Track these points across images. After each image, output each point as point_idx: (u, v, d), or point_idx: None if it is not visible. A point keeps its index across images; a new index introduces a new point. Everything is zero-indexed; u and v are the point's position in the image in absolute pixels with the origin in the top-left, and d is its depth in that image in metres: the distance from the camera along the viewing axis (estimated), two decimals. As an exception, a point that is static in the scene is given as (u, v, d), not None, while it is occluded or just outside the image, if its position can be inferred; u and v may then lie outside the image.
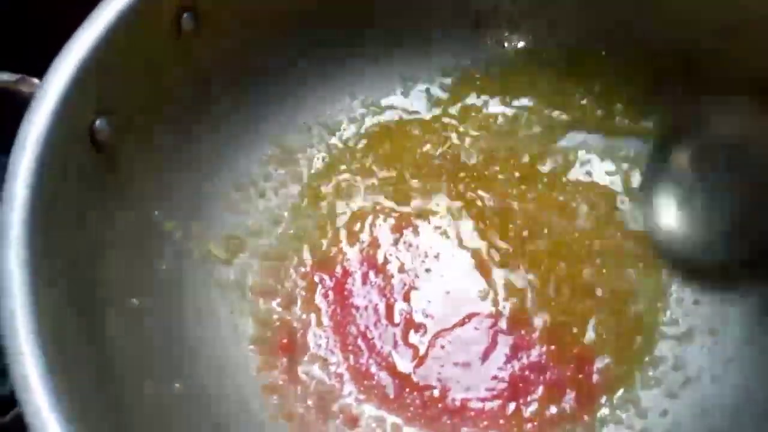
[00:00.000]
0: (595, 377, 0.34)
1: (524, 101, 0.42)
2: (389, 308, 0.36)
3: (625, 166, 0.40)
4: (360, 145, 0.41)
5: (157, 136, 0.34)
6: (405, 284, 0.37)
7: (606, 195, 0.39)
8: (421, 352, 0.35)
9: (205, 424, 0.32)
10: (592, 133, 0.41)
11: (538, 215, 0.38)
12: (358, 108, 0.41)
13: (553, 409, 0.34)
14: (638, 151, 0.40)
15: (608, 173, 0.40)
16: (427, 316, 0.36)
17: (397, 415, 0.34)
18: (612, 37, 0.40)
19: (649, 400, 0.34)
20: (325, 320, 0.36)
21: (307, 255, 0.37)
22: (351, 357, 0.35)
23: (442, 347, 0.35)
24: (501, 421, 0.34)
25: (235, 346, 0.35)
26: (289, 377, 0.34)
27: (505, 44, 0.42)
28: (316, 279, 0.37)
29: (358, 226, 0.38)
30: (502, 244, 0.38)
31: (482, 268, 0.37)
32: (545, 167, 0.40)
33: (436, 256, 0.38)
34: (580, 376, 0.34)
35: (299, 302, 0.36)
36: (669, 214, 0.37)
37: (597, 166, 0.40)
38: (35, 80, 0.30)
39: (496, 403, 0.34)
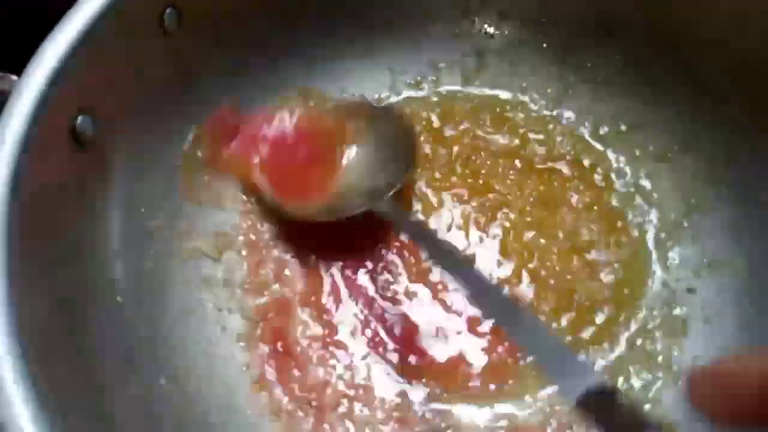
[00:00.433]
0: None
1: (515, 91, 0.41)
2: (378, 306, 0.36)
3: (617, 154, 0.40)
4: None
5: (141, 133, 0.34)
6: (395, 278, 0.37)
7: (597, 186, 0.39)
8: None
9: (193, 422, 0.32)
10: (583, 121, 0.41)
11: (526, 201, 0.38)
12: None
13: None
14: (633, 139, 0.40)
15: (599, 159, 0.40)
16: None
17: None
18: (602, 25, 0.40)
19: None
20: (314, 317, 0.36)
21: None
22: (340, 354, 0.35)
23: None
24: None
25: (223, 343, 0.35)
26: (278, 374, 0.34)
27: (495, 33, 0.42)
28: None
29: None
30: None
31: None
32: (535, 155, 0.40)
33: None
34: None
35: (288, 299, 0.36)
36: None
37: (588, 154, 0.40)
38: (14, 77, 0.29)
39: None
